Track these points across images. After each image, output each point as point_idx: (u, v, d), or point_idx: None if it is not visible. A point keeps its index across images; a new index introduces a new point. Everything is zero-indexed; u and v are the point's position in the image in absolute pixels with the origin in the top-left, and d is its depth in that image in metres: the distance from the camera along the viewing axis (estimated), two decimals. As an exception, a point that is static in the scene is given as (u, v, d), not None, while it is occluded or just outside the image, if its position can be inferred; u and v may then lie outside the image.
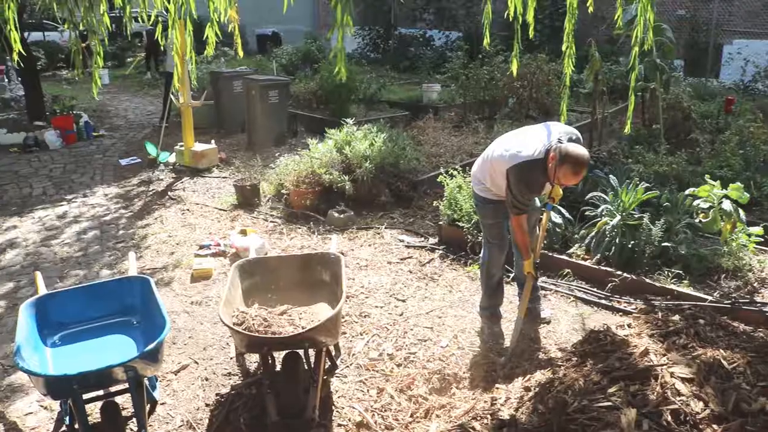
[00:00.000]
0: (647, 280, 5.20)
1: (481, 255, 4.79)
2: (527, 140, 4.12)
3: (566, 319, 4.91)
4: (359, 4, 19.91)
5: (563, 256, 5.66)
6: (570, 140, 4.02)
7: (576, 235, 5.89)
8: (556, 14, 15.83)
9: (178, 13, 3.80)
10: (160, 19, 4.42)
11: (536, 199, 4.53)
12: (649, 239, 5.37)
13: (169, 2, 3.78)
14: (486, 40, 4.47)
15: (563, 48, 4.55)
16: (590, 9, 4.20)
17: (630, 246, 5.39)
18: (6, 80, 16.04)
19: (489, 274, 4.64)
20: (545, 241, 5.75)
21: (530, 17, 4.19)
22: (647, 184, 5.84)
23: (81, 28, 3.80)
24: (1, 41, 3.63)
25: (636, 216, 5.50)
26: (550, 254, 5.69)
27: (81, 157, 10.15)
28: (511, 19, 4.14)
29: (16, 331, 3.53)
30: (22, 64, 10.89)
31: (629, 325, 3.97)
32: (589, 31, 15.87)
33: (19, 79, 13.98)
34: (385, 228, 6.77)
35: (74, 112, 11.94)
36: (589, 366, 3.46)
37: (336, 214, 6.85)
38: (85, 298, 3.98)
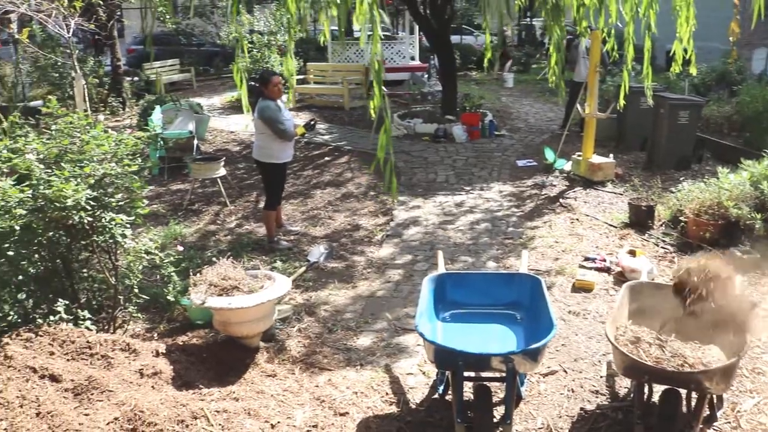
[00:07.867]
0: None
1: None
2: None
3: None
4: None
5: None
6: None
7: None
8: None
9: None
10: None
11: None
12: None
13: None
14: None
15: None
16: None
17: None
18: (426, 76, 17.95)
19: None
20: None
21: None
22: None
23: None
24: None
25: None
26: None
27: (482, 152, 10.84)
28: None
29: (419, 300, 3.92)
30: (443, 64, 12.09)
31: None
32: None
33: (437, 76, 15.54)
34: (798, 279, 5.90)
35: (481, 110, 12.83)
36: None
37: (739, 254, 6.17)
38: (478, 284, 4.25)
